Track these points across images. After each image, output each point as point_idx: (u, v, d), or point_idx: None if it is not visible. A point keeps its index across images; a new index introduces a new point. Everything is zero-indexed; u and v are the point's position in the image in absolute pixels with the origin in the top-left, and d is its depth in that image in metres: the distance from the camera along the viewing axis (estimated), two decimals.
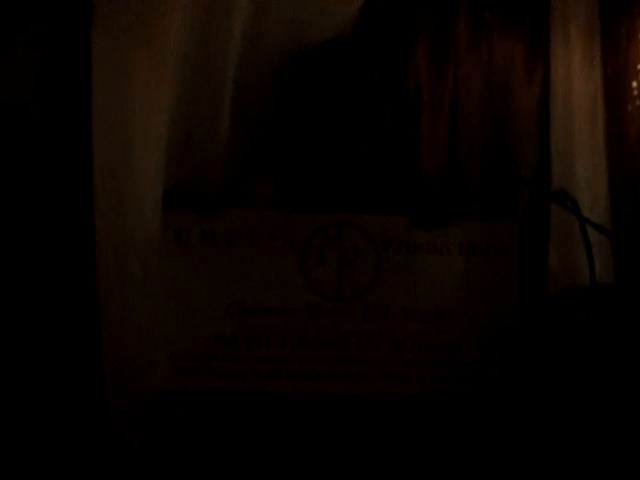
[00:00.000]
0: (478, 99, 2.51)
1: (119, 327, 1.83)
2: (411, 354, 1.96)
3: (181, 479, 1.93)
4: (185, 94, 1.95)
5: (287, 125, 2.17)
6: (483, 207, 2.45)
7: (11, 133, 1.76)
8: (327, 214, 1.96)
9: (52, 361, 1.75)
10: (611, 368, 1.96)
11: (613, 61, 2.73)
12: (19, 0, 1.75)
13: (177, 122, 1.95)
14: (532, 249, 2.49)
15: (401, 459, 1.98)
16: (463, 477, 2.03)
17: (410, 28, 2.50)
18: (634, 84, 2.71)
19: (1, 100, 1.74)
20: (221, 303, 1.92)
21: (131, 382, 1.87)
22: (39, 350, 1.76)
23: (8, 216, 1.75)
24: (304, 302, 1.93)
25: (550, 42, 2.61)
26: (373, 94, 2.05)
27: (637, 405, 1.93)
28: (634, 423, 1.93)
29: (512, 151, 2.59)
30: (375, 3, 2.37)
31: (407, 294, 1.96)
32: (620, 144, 2.66)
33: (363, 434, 1.99)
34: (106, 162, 1.79)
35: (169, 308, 1.91)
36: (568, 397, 2.01)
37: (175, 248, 1.92)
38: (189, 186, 1.98)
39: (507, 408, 2.03)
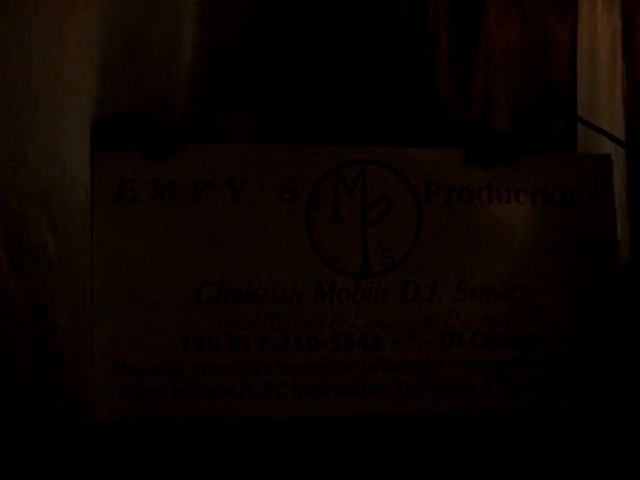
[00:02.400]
0: (512, 38, 2.31)
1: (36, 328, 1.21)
2: (473, 351, 1.33)
3: None
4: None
5: (268, 35, 1.54)
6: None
7: None
8: (342, 147, 1.32)
9: None
10: None
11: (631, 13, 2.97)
12: None
13: (117, 32, 1.33)
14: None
15: None
16: None
17: None
18: None
19: None
20: (187, 287, 1.28)
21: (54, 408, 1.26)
22: None
23: None
24: (313, 280, 1.29)
25: None
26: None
27: None
28: None
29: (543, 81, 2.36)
30: None
31: (462, 263, 1.34)
32: (636, 92, 2.85)
33: (405, 472, 1.37)
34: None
35: (108, 298, 1.26)
36: None
37: (114, 207, 1.27)
38: (134, 116, 1.32)
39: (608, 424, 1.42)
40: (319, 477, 1.35)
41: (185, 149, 1.29)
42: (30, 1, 1.12)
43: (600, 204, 1.38)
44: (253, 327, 1.28)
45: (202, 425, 1.34)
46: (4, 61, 1.08)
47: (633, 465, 1.43)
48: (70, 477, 1.33)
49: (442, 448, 1.40)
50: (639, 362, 1.38)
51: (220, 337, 1.28)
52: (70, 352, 1.33)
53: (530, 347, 1.35)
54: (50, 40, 1.21)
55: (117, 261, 1.27)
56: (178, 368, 1.28)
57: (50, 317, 1.32)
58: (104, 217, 1.27)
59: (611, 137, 1.49)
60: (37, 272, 1.18)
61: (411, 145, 1.40)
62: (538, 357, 1.35)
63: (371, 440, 1.37)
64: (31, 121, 1.19)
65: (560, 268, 1.36)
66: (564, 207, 1.37)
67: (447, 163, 1.34)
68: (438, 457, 1.41)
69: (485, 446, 1.42)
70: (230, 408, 1.29)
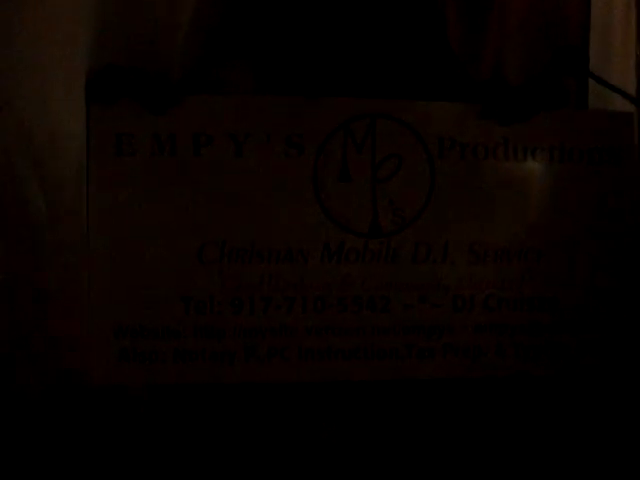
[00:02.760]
0: None
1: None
2: (485, 314, 1.28)
3: None
4: None
5: None
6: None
7: None
8: (351, 99, 1.25)
9: None
10: None
11: None
12: None
13: None
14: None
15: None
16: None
17: None
18: None
19: None
20: (189, 246, 1.22)
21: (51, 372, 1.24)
22: None
23: None
24: (321, 241, 1.23)
25: None
26: None
27: None
28: None
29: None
30: None
31: (476, 223, 1.28)
32: None
33: (415, 436, 1.32)
34: None
35: (105, 258, 1.21)
36: None
37: (111, 162, 1.21)
38: (132, 67, 1.26)
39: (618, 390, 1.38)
40: (326, 444, 1.31)
41: (185, 101, 1.22)
42: None
43: (622, 164, 1.32)
44: (257, 289, 1.23)
45: (204, 390, 1.29)
46: None
47: None
48: (66, 441, 1.30)
49: (451, 413, 1.36)
50: None
51: (222, 299, 1.22)
52: (66, 313, 1.29)
53: (545, 312, 1.29)
54: None
55: (114, 219, 1.21)
56: (179, 331, 1.22)
57: (43, 279, 1.28)
58: (101, 173, 1.21)
59: (625, 94, 1.43)
60: (28, 232, 1.13)
61: (421, 99, 1.33)
62: (553, 322, 1.30)
63: (378, 405, 1.33)
64: (20, 73, 1.13)
65: (578, 231, 1.30)
66: (583, 166, 1.31)
67: (462, 118, 1.27)
68: (446, 422, 1.37)
69: (496, 411, 1.37)
70: (233, 373, 1.23)
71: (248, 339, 1.23)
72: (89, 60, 1.25)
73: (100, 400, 1.26)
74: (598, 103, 2.26)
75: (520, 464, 1.38)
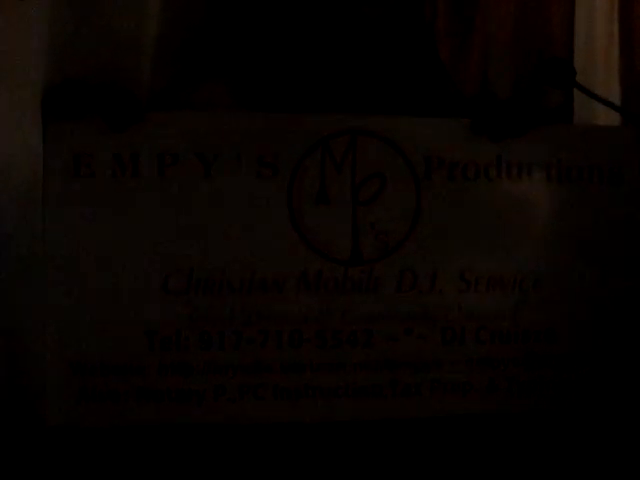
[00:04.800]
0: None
1: None
2: (476, 348, 1.19)
3: None
4: None
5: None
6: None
7: None
8: (330, 115, 1.16)
9: None
10: None
11: None
12: None
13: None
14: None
15: None
16: None
17: None
18: None
19: None
20: (154, 275, 1.12)
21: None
22: None
23: None
24: (297, 269, 1.14)
25: None
26: None
27: None
28: None
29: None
30: None
31: (466, 249, 1.18)
32: (632, 63, 2.52)
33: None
34: None
35: (62, 289, 1.11)
36: None
37: (69, 184, 1.11)
38: (91, 81, 1.16)
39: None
40: None
41: (149, 118, 1.12)
42: None
43: (624, 183, 1.22)
44: (228, 322, 1.13)
45: (168, 430, 1.19)
46: None
47: None
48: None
49: (440, 452, 1.27)
50: None
51: (190, 333, 1.12)
52: (24, 350, 1.20)
53: (541, 344, 1.20)
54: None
55: (72, 246, 1.12)
56: (143, 368, 1.13)
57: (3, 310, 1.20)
58: (57, 195, 1.12)
59: (612, 105, 1.36)
60: None
61: (409, 114, 1.24)
62: (549, 355, 1.20)
63: (361, 445, 1.23)
64: None
65: (577, 256, 1.21)
66: (582, 185, 1.21)
67: (450, 135, 1.18)
68: (435, 461, 1.28)
69: (487, 450, 1.28)
70: (202, 413, 1.14)
71: (218, 377, 1.14)
72: (45, 74, 1.16)
73: (56, 440, 1.17)
74: (582, 113, 2.25)
75: None
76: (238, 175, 1.13)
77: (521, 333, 1.20)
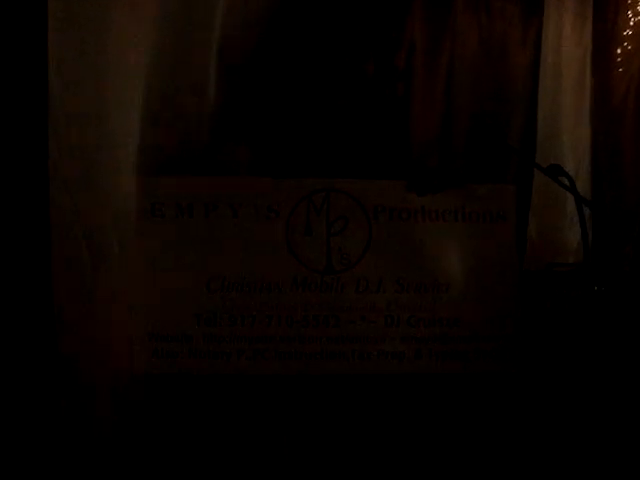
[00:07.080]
0: (474, 61, 2.38)
1: (79, 308, 1.71)
2: (407, 329, 1.82)
3: (161, 465, 1.78)
4: (167, 57, 1.82)
5: (264, 86, 2.02)
6: (474, 172, 2.28)
7: None
8: (312, 179, 1.81)
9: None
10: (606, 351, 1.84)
11: (602, 27, 2.70)
12: None
13: (155, 86, 1.82)
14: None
15: (400, 447, 1.84)
16: (464, 461, 1.89)
17: None
18: (619, 51, 2.71)
19: None
20: (201, 279, 1.77)
21: (105, 365, 1.76)
22: None
23: None
24: (291, 276, 1.78)
25: (544, 6, 2.53)
26: (354, 46, 1.90)
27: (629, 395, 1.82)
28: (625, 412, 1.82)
29: (503, 115, 2.45)
30: None
31: (401, 265, 1.82)
32: (604, 110, 2.65)
33: (356, 418, 1.85)
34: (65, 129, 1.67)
35: (146, 287, 1.76)
36: (564, 384, 1.87)
37: (148, 222, 1.77)
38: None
39: (510, 389, 1.89)
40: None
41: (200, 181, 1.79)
42: None
43: (506, 222, 1.86)
44: (246, 309, 1.78)
45: (208, 381, 1.83)
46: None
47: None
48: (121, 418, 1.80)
49: (382, 402, 1.87)
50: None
51: (222, 316, 1.78)
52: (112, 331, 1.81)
53: (451, 328, 1.83)
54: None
55: (149, 263, 1.77)
56: (191, 337, 1.77)
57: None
58: (140, 229, 1.77)
59: (540, 168, 1.84)
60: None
61: (370, 173, 1.88)
62: (456, 335, 1.83)
63: (329, 394, 1.85)
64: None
65: (474, 269, 1.84)
66: (478, 224, 1.85)
67: (391, 191, 1.82)
68: (377, 408, 1.86)
69: (415, 400, 1.87)
70: (229, 368, 1.78)
71: (240, 344, 1.78)
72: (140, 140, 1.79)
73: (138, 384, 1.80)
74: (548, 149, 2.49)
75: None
76: (254, 218, 1.78)
77: (437, 320, 1.83)
